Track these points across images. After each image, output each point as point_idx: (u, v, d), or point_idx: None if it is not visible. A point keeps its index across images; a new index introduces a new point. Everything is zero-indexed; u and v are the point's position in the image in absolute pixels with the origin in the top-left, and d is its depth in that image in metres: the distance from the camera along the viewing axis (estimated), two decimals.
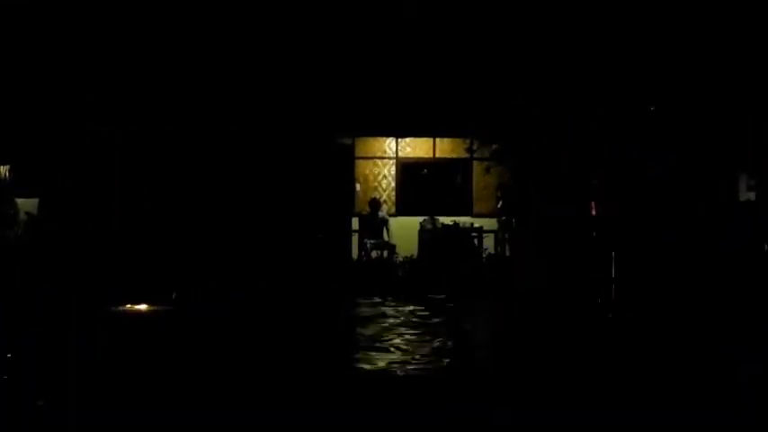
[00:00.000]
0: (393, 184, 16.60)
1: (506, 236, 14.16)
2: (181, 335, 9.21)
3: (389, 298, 12.80)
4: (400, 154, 16.63)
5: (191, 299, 11.65)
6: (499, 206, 14.84)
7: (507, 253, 14.03)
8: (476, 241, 14.79)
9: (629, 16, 10.46)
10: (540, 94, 10.27)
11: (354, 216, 15.54)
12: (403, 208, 16.41)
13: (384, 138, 16.52)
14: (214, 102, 13.89)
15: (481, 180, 16.17)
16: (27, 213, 13.81)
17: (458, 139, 16.19)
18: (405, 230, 15.32)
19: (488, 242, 14.88)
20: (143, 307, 11.39)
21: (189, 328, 9.63)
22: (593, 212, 10.17)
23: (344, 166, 15.46)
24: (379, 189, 16.53)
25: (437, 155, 16.64)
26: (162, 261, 12.97)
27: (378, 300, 12.64)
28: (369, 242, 15.28)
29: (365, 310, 11.56)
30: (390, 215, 15.94)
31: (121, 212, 13.99)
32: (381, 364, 7.75)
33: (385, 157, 16.66)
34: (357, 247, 15.31)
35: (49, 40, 13.29)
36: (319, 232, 14.36)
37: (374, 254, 15.25)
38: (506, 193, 11.88)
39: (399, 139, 16.56)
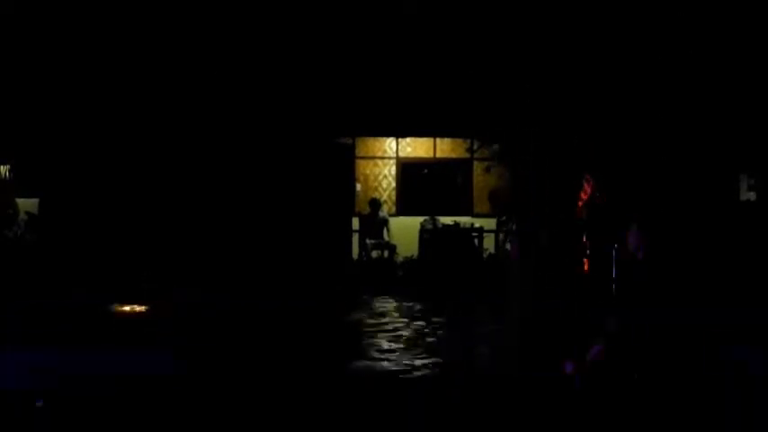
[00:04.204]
0: (393, 184, 16.59)
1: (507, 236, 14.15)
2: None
3: (390, 298, 12.78)
4: (400, 154, 16.62)
5: (191, 297, 11.65)
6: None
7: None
8: (476, 241, 14.77)
9: (629, 17, 10.47)
10: (539, 95, 10.27)
11: (354, 216, 15.53)
12: (403, 208, 16.39)
13: (384, 138, 16.51)
14: (214, 102, 13.89)
15: (481, 180, 16.17)
16: (27, 213, 13.83)
17: (458, 139, 16.20)
18: (405, 230, 15.31)
19: (488, 242, 14.87)
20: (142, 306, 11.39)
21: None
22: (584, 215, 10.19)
23: (344, 166, 15.45)
24: (380, 189, 16.52)
25: (437, 155, 16.63)
26: (162, 260, 12.97)
27: (378, 299, 12.62)
28: (369, 242, 15.27)
29: (365, 310, 11.54)
30: (391, 215, 15.94)
31: (121, 212, 13.98)
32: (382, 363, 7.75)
33: (385, 157, 16.65)
34: (357, 247, 15.31)
35: (50, 39, 13.29)
36: (319, 232, 14.35)
37: (374, 254, 15.25)
38: (505, 192, 11.90)
39: (400, 139, 16.55)
